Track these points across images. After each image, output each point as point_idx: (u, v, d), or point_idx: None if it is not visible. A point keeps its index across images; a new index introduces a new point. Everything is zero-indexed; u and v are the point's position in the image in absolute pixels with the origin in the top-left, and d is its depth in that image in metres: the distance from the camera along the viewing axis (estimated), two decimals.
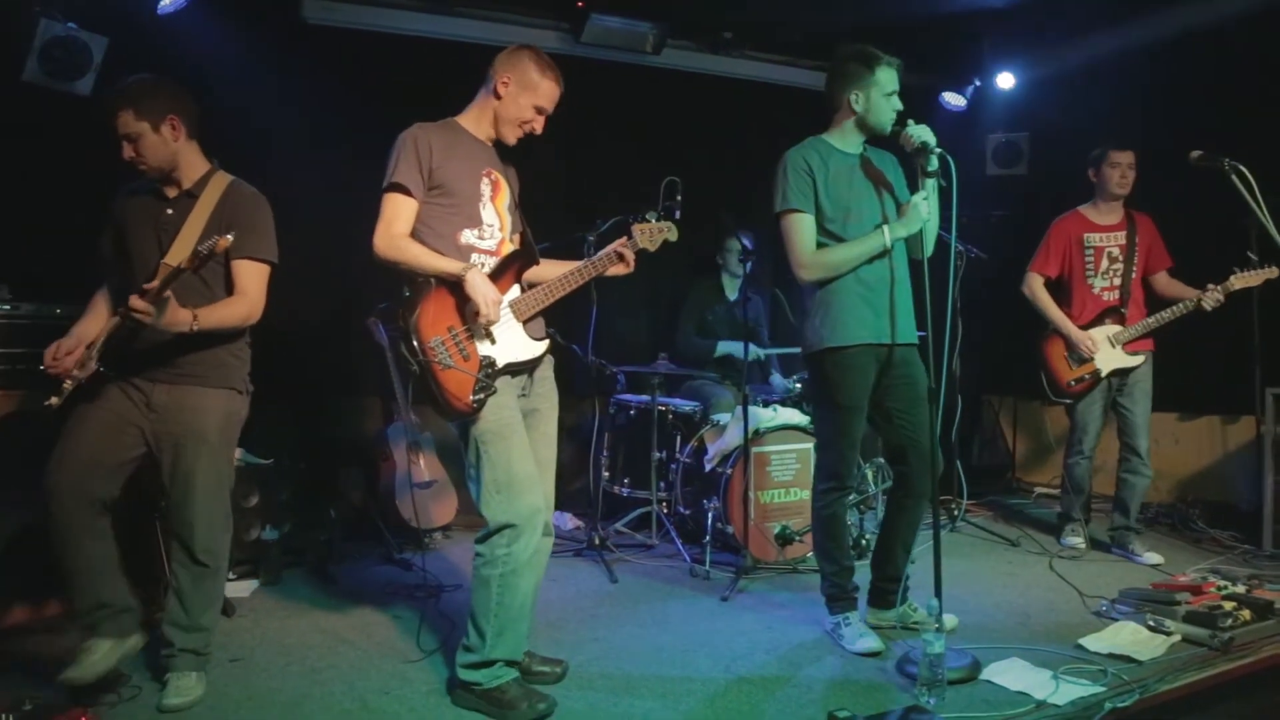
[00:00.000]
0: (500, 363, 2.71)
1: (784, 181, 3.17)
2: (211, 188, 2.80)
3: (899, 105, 3.16)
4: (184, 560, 2.79)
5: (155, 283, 2.48)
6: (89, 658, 2.65)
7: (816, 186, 3.15)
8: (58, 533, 2.64)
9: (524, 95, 2.79)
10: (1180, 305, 4.27)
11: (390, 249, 2.65)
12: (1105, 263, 4.44)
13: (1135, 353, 4.37)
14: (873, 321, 3.14)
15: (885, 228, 3.11)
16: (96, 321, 2.83)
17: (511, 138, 2.85)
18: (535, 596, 2.81)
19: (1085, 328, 4.41)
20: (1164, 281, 4.45)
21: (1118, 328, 4.38)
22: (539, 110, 2.82)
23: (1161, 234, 4.48)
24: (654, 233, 2.96)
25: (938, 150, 2.98)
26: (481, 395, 2.64)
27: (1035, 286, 4.54)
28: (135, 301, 2.45)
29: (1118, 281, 4.42)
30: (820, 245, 3.16)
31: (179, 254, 2.64)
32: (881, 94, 3.13)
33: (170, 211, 2.78)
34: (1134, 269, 4.41)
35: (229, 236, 2.44)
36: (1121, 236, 4.44)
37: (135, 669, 2.88)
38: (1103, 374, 4.39)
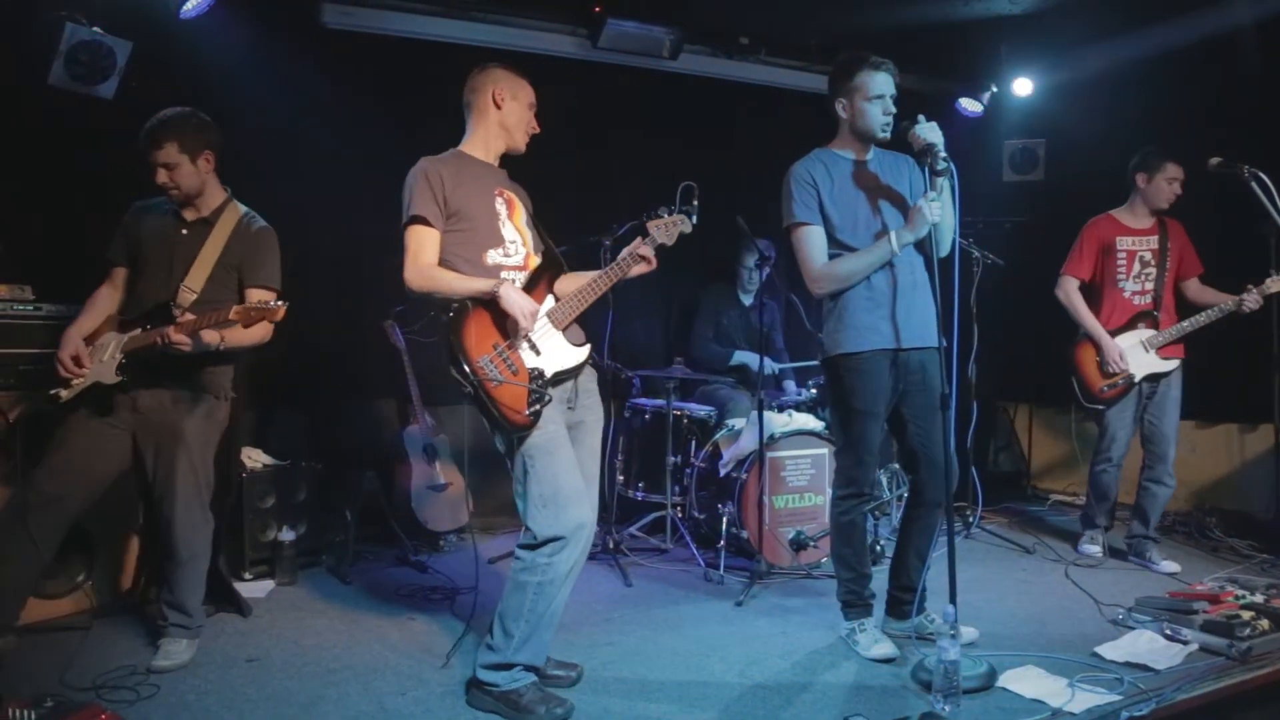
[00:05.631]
0: (549, 372, 2.74)
1: (789, 196, 3.18)
2: (226, 217, 3.08)
3: (891, 108, 3.13)
4: (166, 553, 3.07)
5: (190, 317, 2.80)
6: None
7: (821, 198, 3.14)
8: (12, 542, 2.82)
9: (517, 99, 2.92)
10: (1216, 309, 4.20)
11: (421, 280, 2.70)
12: (1137, 266, 4.38)
13: (1168, 358, 4.32)
14: (883, 327, 3.13)
15: (892, 234, 3.09)
16: (94, 319, 3.06)
17: (523, 142, 2.97)
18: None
19: (1118, 331, 4.34)
20: (1195, 288, 4.40)
21: (1151, 332, 4.31)
22: (530, 107, 2.96)
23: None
24: (669, 226, 2.99)
25: (943, 153, 2.97)
26: (537, 406, 2.66)
27: (1070, 290, 4.47)
28: (175, 335, 2.76)
29: (1150, 286, 4.36)
30: (832, 255, 3.16)
31: (197, 278, 2.99)
32: (865, 99, 3.12)
33: (185, 233, 3.07)
34: (1166, 274, 4.34)
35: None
36: (1154, 241, 4.37)
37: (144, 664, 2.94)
38: (1136, 379, 4.32)
